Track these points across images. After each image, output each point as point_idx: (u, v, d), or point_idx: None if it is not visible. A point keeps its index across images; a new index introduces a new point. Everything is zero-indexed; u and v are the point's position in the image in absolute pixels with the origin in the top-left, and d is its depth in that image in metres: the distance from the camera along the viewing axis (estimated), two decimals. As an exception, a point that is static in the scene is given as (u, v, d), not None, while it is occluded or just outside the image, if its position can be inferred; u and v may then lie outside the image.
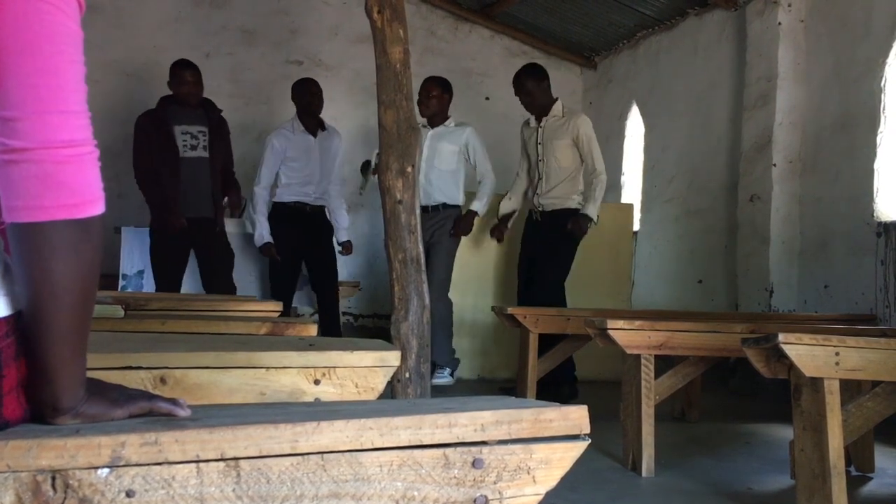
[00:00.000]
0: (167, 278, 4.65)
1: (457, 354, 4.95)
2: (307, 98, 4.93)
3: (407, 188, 2.78)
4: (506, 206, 4.84)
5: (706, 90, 5.98)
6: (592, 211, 4.50)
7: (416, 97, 2.89)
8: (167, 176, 4.61)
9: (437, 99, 4.84)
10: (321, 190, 5.02)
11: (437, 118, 4.87)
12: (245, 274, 5.21)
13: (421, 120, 4.89)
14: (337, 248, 5.12)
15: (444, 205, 4.83)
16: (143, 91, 6.33)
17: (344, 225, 5.15)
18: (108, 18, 6.10)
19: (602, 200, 4.63)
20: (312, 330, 2.10)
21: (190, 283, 4.84)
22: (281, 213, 4.91)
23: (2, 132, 0.86)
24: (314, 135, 4.98)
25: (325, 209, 5.09)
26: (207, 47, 6.44)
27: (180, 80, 4.70)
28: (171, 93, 4.77)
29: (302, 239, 4.89)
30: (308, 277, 5.12)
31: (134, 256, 5.05)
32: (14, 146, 0.85)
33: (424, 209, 4.73)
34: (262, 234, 4.85)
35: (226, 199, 4.88)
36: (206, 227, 4.70)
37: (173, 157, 4.62)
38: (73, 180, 0.87)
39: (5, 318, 0.89)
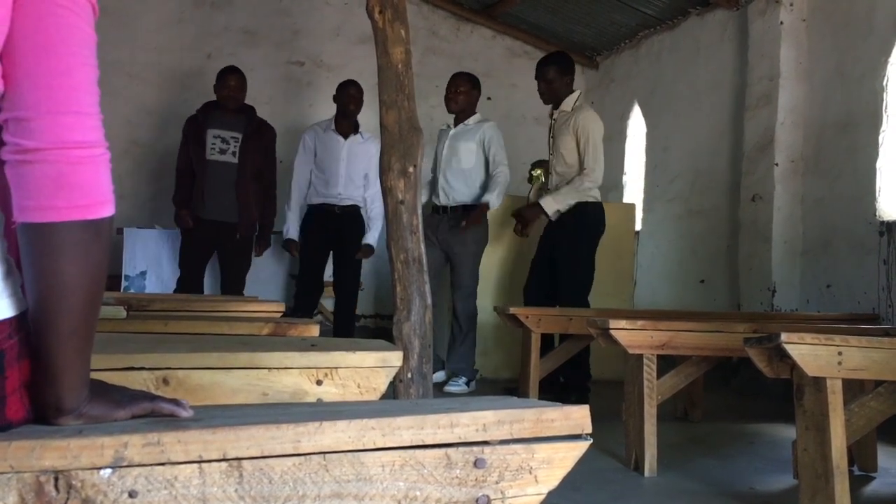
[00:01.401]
0: (186, 273, 4.82)
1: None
2: (344, 99, 4.96)
3: (409, 188, 2.78)
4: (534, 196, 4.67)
5: (708, 90, 5.97)
6: (550, 204, 4.34)
7: (417, 97, 2.89)
8: (195, 178, 4.80)
9: (464, 95, 4.72)
10: (348, 192, 4.95)
11: (462, 115, 4.75)
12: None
13: (447, 120, 4.87)
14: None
15: (465, 206, 4.63)
16: (145, 92, 6.34)
17: (373, 234, 4.99)
18: (110, 19, 6.10)
19: (604, 200, 4.56)
20: (314, 330, 2.10)
21: (209, 284, 4.99)
22: (310, 217, 4.97)
23: (15, 132, 0.86)
24: (345, 137, 4.98)
25: (362, 210, 5.02)
26: (209, 48, 6.44)
27: (222, 83, 4.86)
28: (214, 98, 4.94)
29: (329, 241, 4.92)
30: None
31: (136, 257, 5.08)
32: (27, 146, 0.86)
33: (444, 210, 4.70)
34: (289, 229, 4.96)
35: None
36: (227, 232, 4.81)
37: (201, 159, 4.79)
38: (86, 181, 0.88)
39: (8, 320, 0.90)
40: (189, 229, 4.82)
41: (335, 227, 4.93)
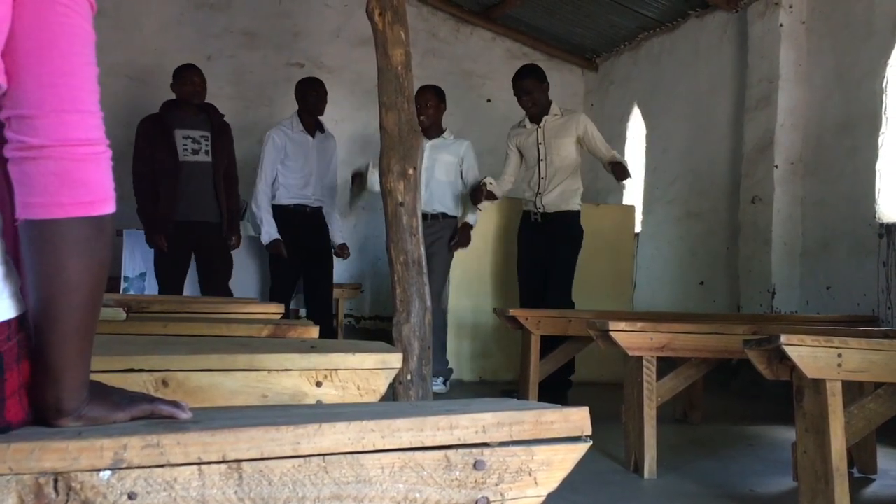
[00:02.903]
0: (169, 281, 4.68)
1: (458, 357, 4.95)
2: (311, 98, 4.91)
3: (408, 190, 2.78)
4: (491, 188, 4.77)
5: (707, 92, 5.98)
6: (627, 163, 4.68)
7: (417, 100, 2.90)
8: (167, 180, 4.61)
9: (434, 108, 4.80)
10: (318, 191, 4.99)
11: (432, 129, 4.81)
12: (245, 277, 5.22)
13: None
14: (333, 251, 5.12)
15: (444, 215, 4.81)
16: (145, 94, 6.33)
17: (338, 229, 5.15)
18: (109, 21, 6.11)
19: (603, 202, 4.63)
20: (314, 332, 2.10)
21: (189, 286, 4.86)
22: (281, 216, 4.88)
23: (19, 130, 0.86)
24: (312, 135, 4.97)
25: (323, 209, 5.08)
26: (209, 50, 6.45)
27: (185, 80, 4.70)
28: (173, 97, 4.78)
29: (303, 240, 4.88)
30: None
31: (136, 259, 5.06)
32: (31, 143, 0.86)
33: (424, 216, 4.72)
34: (270, 231, 4.84)
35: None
36: (208, 232, 4.71)
37: (173, 161, 4.63)
38: (90, 178, 0.88)
39: (8, 322, 0.90)
40: (166, 237, 4.64)
41: (307, 227, 4.91)
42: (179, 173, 4.63)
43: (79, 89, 0.88)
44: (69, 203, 0.87)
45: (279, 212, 4.90)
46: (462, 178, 4.89)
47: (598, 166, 5.11)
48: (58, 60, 0.87)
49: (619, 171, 4.51)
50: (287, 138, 4.91)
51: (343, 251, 5.17)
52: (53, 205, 0.86)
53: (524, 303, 4.64)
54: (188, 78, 4.70)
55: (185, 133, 4.69)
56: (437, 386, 4.65)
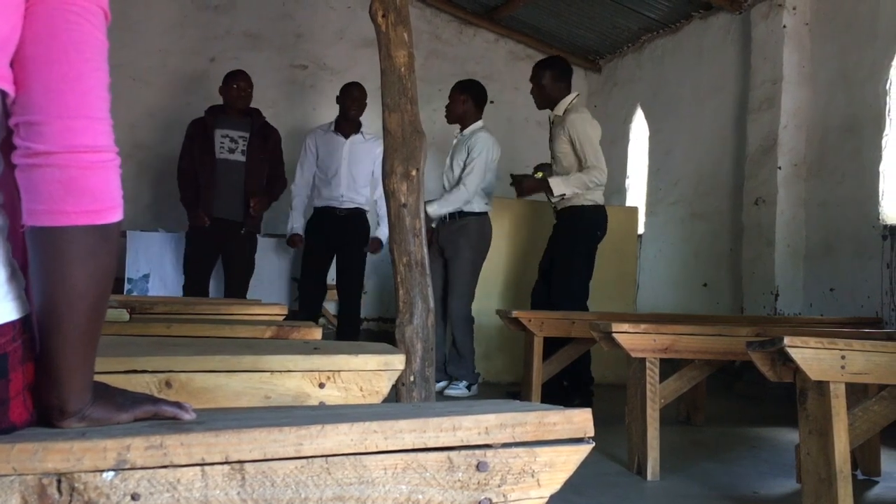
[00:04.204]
0: (193, 277, 4.85)
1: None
2: (346, 101, 4.99)
3: (412, 192, 2.78)
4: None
5: (711, 93, 5.97)
6: (557, 185, 4.25)
7: (420, 101, 2.89)
8: (204, 176, 4.82)
9: (454, 102, 4.70)
10: (352, 193, 4.97)
11: (463, 123, 4.72)
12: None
13: (450, 124, 4.88)
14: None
15: (462, 213, 4.60)
16: (148, 95, 6.35)
17: (383, 230, 4.95)
18: (113, 22, 6.05)
19: (606, 203, 4.54)
20: (317, 333, 2.10)
21: (215, 287, 5.01)
22: (314, 219, 5.00)
23: (26, 136, 0.86)
24: (346, 137, 5.00)
25: (366, 212, 5.05)
26: (212, 52, 6.45)
27: (231, 84, 4.90)
28: (220, 102, 4.99)
29: (332, 243, 4.93)
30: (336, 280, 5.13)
31: (139, 260, 5.09)
32: (38, 149, 0.86)
33: (444, 217, 4.69)
34: (293, 225, 5.02)
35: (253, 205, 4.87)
36: (233, 231, 4.85)
37: (210, 158, 4.83)
38: (96, 186, 0.88)
39: (12, 323, 0.90)
40: (196, 231, 4.83)
41: (338, 229, 4.93)
42: (214, 169, 4.83)
43: (87, 95, 0.88)
44: (73, 211, 0.86)
45: (313, 214, 5.02)
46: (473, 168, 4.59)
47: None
48: (66, 67, 0.87)
49: (525, 181, 4.45)
50: (319, 139, 5.04)
51: (371, 245, 5.03)
52: (58, 212, 0.86)
53: (533, 298, 4.57)
54: (234, 83, 4.91)
55: (224, 132, 4.89)
56: (459, 389, 4.58)
